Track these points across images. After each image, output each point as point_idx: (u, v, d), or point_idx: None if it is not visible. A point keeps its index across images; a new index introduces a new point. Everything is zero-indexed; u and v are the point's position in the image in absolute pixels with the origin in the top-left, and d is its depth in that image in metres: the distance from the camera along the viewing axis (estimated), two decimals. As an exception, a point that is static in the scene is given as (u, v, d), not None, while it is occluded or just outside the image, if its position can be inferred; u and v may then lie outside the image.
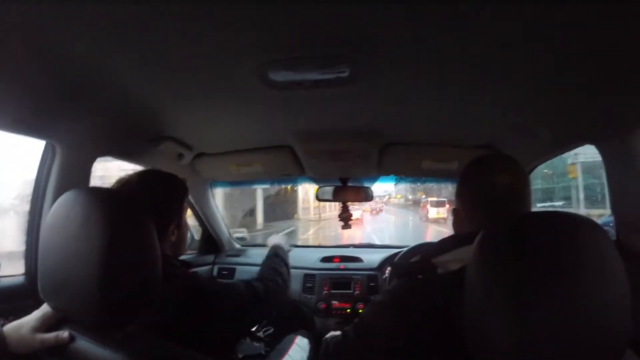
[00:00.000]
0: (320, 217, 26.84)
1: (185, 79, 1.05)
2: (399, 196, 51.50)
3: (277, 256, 1.53)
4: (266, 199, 19.21)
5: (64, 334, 0.74)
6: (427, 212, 22.95)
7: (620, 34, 0.78)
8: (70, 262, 0.69)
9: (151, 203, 0.86)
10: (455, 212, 0.99)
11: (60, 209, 0.75)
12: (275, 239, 1.74)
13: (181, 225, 1.13)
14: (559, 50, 0.87)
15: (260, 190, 16.85)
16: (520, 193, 0.88)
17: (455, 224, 0.99)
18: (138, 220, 0.76)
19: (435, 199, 23.68)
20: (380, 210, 34.68)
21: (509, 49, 0.88)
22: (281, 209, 22.64)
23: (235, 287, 1.13)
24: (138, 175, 1.09)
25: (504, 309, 0.57)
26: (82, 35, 0.82)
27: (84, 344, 0.73)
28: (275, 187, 18.60)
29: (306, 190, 26.23)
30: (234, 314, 1.08)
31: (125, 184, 1.06)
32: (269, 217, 19.54)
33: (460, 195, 0.97)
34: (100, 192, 0.76)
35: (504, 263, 0.59)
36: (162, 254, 0.94)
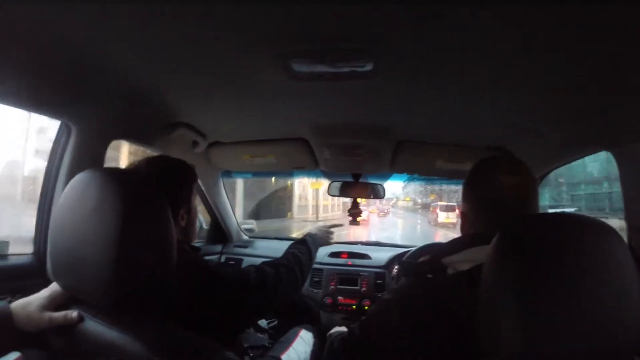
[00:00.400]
0: (317, 217, 25.83)
1: (203, 66, 1.05)
2: (407, 199, 50.12)
3: (303, 244, 1.46)
4: (251, 194, 17.13)
5: (73, 313, 0.74)
6: (437, 216, 22.85)
7: (634, 36, 0.77)
8: (83, 242, 0.69)
9: (160, 187, 0.85)
10: (462, 216, 0.98)
11: (74, 189, 0.75)
12: (317, 229, 1.64)
13: (190, 211, 1.13)
14: (573, 54, 0.86)
15: (240, 182, 14.58)
16: (527, 195, 0.87)
17: (463, 227, 0.98)
18: (153, 200, 0.76)
19: (445, 203, 23.74)
20: (387, 212, 34.41)
21: (526, 51, 0.87)
22: (272, 206, 20.76)
23: (245, 273, 1.11)
24: (147, 160, 1.10)
25: (520, 310, 0.57)
26: (102, 24, 0.83)
27: (93, 324, 0.73)
28: (264, 181, 17.28)
29: (304, 186, 25.41)
30: (241, 301, 1.07)
31: (134, 169, 1.06)
32: (255, 214, 16.56)
33: (467, 197, 0.96)
34: (115, 173, 0.76)
35: (522, 263, 0.59)
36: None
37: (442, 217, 22.28)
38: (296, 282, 1.26)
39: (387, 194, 2.42)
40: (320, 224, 1.73)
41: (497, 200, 0.87)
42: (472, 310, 0.66)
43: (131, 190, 0.72)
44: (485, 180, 0.91)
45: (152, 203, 0.75)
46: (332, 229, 1.70)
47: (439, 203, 24.36)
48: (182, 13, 0.79)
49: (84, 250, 0.69)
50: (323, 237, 1.62)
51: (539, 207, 0.91)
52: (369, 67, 0.98)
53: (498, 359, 0.61)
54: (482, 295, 0.65)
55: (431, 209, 26.14)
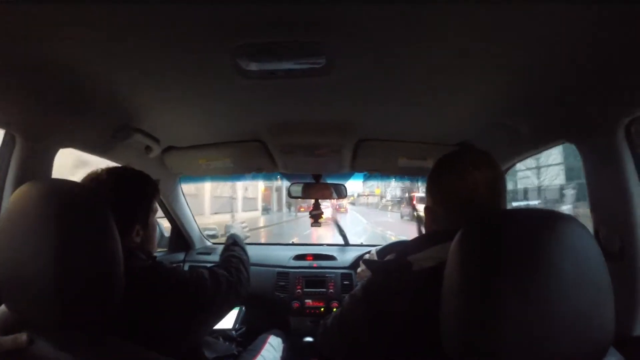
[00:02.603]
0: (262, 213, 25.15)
1: (150, 66, 1.00)
2: (377, 191, 45.94)
3: (236, 245, 1.49)
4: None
5: (23, 336, 0.70)
6: (414, 208, 20.61)
7: (598, 32, 0.78)
8: (26, 259, 0.66)
9: (116, 200, 0.85)
10: (427, 210, 0.97)
11: (16, 202, 0.71)
12: (233, 229, 1.70)
13: (147, 226, 1.10)
14: (536, 48, 0.86)
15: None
16: (496, 189, 0.87)
17: (427, 222, 0.97)
18: (96, 213, 0.73)
19: (421, 194, 22.69)
20: (345, 209, 34.27)
21: (487, 46, 0.87)
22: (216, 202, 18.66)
23: (198, 276, 1.10)
24: (108, 170, 1.06)
25: (481, 306, 0.57)
26: (43, 27, 0.78)
27: (43, 346, 0.69)
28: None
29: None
30: (198, 305, 1.06)
31: (95, 178, 1.03)
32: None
33: (432, 192, 0.95)
34: (56, 184, 0.73)
35: (484, 260, 0.58)
36: (127, 248, 0.92)
37: (421, 208, 20.75)
38: (245, 279, 1.30)
39: (350, 191, 2.43)
40: (236, 223, 1.86)
41: (464, 194, 0.86)
42: (437, 307, 0.65)
43: (72, 203, 0.70)
44: (451, 173, 0.90)
45: (94, 217, 0.72)
46: (244, 225, 1.84)
47: (416, 194, 22.58)
48: (127, 12, 0.75)
49: (27, 268, 0.66)
50: (241, 234, 1.69)
51: (506, 200, 0.91)
52: (322, 62, 0.96)
53: (462, 357, 0.60)
54: (444, 293, 0.64)
55: (404, 202, 25.18)
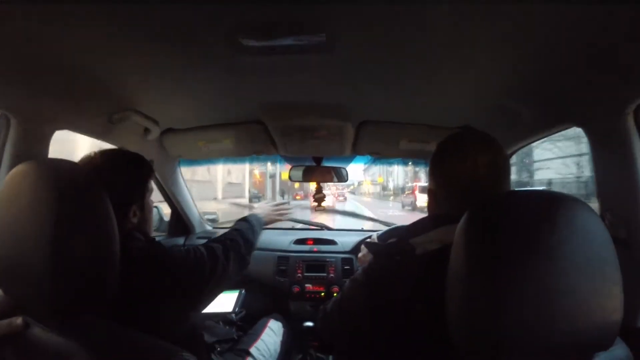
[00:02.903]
0: (250, 201, 22.06)
1: (146, 46, 0.98)
2: (380, 179, 44.39)
3: (246, 221, 1.45)
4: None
5: (18, 320, 0.69)
6: (415, 198, 20.61)
7: (606, 12, 0.76)
8: (20, 242, 0.64)
9: (111, 182, 0.83)
10: (429, 193, 0.95)
11: (10, 183, 0.69)
12: (260, 209, 1.62)
13: (144, 208, 1.10)
14: (541, 29, 0.84)
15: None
16: (500, 172, 0.85)
17: (430, 206, 0.96)
18: (91, 195, 0.71)
19: (425, 184, 22.19)
20: (345, 197, 34.11)
21: (490, 27, 0.85)
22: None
23: (195, 254, 1.10)
24: (102, 153, 1.06)
25: (488, 289, 0.55)
26: (39, 10, 0.77)
27: (39, 331, 0.68)
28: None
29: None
30: (196, 284, 1.06)
31: (89, 162, 1.02)
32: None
33: (435, 174, 0.93)
34: (51, 165, 0.70)
35: (494, 243, 0.57)
36: (124, 230, 0.92)
37: (422, 199, 18.41)
38: (241, 248, 1.27)
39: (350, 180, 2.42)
40: (264, 202, 1.75)
41: (466, 176, 0.83)
42: (442, 291, 0.64)
43: (66, 183, 0.67)
44: (453, 155, 0.88)
45: (89, 197, 0.70)
46: (279, 206, 1.68)
47: (418, 184, 21.44)
48: None
49: (21, 251, 0.64)
50: (269, 214, 1.59)
51: (510, 184, 0.89)
52: (322, 39, 0.93)
53: (467, 342, 0.59)
54: (450, 278, 0.62)
55: (406, 192, 24.40)
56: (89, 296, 0.68)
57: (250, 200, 23.88)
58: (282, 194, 31.76)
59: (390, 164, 2.42)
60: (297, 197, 32.86)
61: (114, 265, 0.71)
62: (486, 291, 0.55)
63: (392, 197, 36.30)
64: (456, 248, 0.62)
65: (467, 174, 0.84)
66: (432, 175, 0.93)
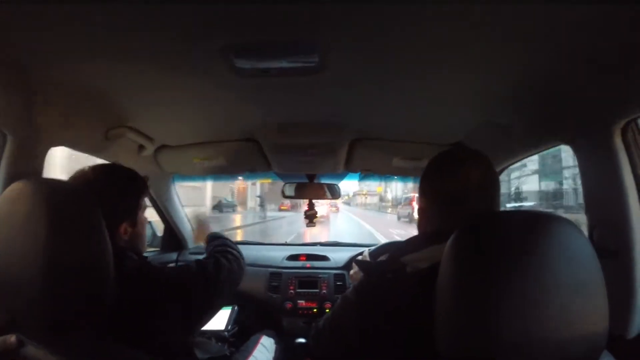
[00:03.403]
0: (214, 210, 20.10)
1: (142, 65, 0.99)
2: (379, 189, 40.40)
3: (218, 238, 1.47)
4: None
5: (12, 338, 0.68)
6: (413, 209, 18.90)
7: (594, 32, 0.77)
8: (14, 259, 0.65)
9: (102, 198, 0.82)
10: (420, 211, 0.96)
11: (5, 201, 0.70)
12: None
13: (136, 224, 1.09)
14: (532, 47, 0.85)
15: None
16: (488, 189, 0.86)
17: (421, 223, 0.96)
18: (85, 213, 0.72)
19: None
20: (337, 208, 32.97)
21: (481, 47, 0.86)
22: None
23: (189, 273, 1.11)
24: (94, 168, 1.05)
25: (475, 307, 0.56)
26: (30, 20, 0.77)
27: (33, 349, 0.67)
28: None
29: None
30: (190, 304, 1.06)
31: (81, 176, 1.02)
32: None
33: (426, 191, 0.93)
34: (45, 183, 0.72)
35: (478, 263, 0.58)
36: (118, 247, 0.92)
37: None
38: (233, 264, 1.27)
39: (343, 191, 2.43)
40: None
41: (456, 193, 0.84)
42: (432, 310, 0.65)
43: (61, 202, 0.69)
44: (443, 173, 0.89)
45: (84, 217, 0.71)
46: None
47: (415, 195, 21.28)
48: (118, 11, 0.74)
49: (15, 268, 0.65)
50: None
51: (500, 201, 0.89)
52: (314, 61, 0.95)
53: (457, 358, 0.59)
54: (439, 294, 0.63)
55: (402, 203, 23.73)
56: (83, 312, 0.69)
57: (215, 209, 21.45)
58: (262, 203, 28.38)
59: (383, 180, 2.44)
60: (283, 208, 30.73)
61: (107, 281, 0.71)
62: (473, 309, 0.56)
63: (390, 209, 34.82)
64: (444, 266, 0.63)
65: (456, 191, 0.85)
66: (423, 192, 0.94)
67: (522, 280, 0.54)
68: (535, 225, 0.58)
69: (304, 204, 2.39)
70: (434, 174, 0.92)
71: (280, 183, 2.37)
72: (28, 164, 1.15)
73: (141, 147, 1.62)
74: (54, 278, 0.64)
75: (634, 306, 0.96)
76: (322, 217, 20.29)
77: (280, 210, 29.46)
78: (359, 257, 1.68)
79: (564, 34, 0.79)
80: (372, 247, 1.77)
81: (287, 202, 29.34)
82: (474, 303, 0.57)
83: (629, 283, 0.97)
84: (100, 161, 1.34)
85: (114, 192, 1.03)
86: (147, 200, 1.20)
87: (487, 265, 0.57)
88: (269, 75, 1.04)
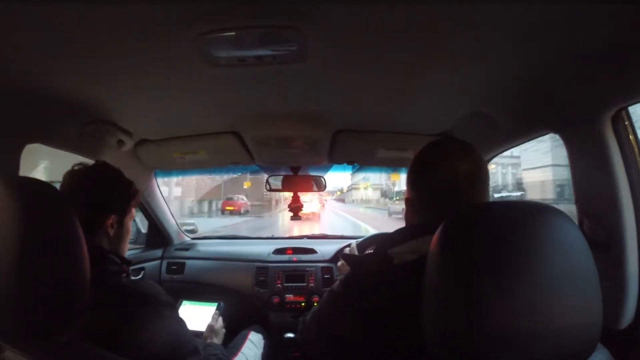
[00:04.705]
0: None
1: (115, 56, 0.96)
2: (395, 177, 30.52)
3: (210, 346, 1.43)
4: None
5: None
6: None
7: (584, 21, 0.76)
8: None
9: (88, 194, 0.87)
10: (407, 202, 0.94)
11: None
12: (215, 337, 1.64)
13: (123, 222, 1.09)
14: (517, 35, 0.84)
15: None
16: (476, 180, 0.84)
17: (408, 215, 0.95)
18: (60, 215, 0.69)
19: None
20: (322, 206, 27.91)
21: (465, 36, 0.85)
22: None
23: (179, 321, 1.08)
24: (86, 166, 1.08)
25: (463, 300, 0.55)
26: (5, 21, 0.76)
27: (11, 354, 0.68)
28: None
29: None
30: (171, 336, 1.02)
31: (72, 175, 1.05)
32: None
33: (413, 183, 0.92)
34: (15, 182, 0.68)
35: (466, 256, 0.57)
36: (99, 248, 0.94)
37: None
38: None
39: (330, 187, 2.40)
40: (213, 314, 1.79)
41: (444, 185, 0.83)
42: (419, 302, 0.63)
43: (33, 202, 0.66)
44: (430, 164, 0.87)
45: (57, 217, 0.69)
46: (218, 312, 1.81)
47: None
48: (89, 1, 0.72)
49: None
50: (217, 323, 1.68)
51: (489, 191, 0.88)
52: (293, 47, 0.92)
53: (444, 354, 0.58)
54: (426, 288, 0.62)
55: (395, 198, 22.96)
56: (59, 317, 0.67)
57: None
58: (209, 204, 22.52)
59: (376, 171, 2.43)
60: (229, 208, 21.57)
61: (83, 286, 0.69)
62: (461, 302, 0.55)
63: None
64: (432, 258, 0.61)
65: (446, 183, 0.83)
66: (411, 184, 0.92)
67: (512, 272, 0.53)
68: (526, 216, 0.57)
69: (284, 200, 2.37)
70: (423, 165, 0.90)
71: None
72: (3, 163, 1.14)
73: (120, 142, 1.59)
74: (26, 283, 0.62)
75: (625, 297, 0.96)
76: (312, 214, 19.34)
77: (223, 212, 21.18)
78: (347, 250, 1.67)
79: (552, 24, 0.78)
80: (360, 239, 1.76)
81: (240, 197, 22.67)
82: (462, 295, 0.55)
83: (620, 274, 0.96)
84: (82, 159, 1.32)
85: (100, 187, 1.05)
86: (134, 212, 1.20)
87: (476, 256, 0.55)
88: (247, 65, 1.01)
